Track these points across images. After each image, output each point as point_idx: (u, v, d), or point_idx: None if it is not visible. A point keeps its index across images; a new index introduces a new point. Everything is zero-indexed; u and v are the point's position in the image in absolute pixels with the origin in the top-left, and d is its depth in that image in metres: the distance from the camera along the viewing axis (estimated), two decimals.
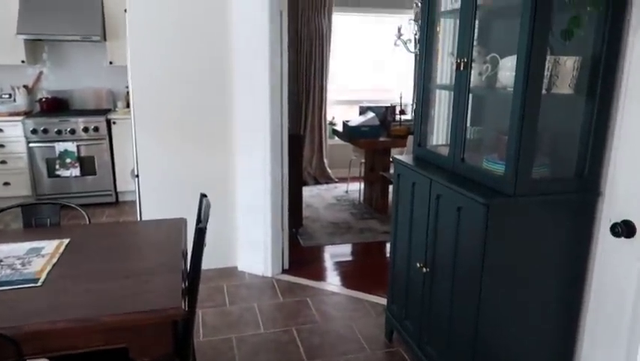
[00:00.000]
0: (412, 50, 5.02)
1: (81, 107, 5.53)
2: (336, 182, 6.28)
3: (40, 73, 5.44)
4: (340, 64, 6.38)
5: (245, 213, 3.59)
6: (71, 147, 5.02)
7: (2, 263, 1.80)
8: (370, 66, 6.69)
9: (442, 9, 2.45)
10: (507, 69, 1.99)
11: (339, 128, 5.59)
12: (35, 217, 2.30)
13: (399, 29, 5.10)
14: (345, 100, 6.67)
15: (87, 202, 5.20)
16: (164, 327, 1.52)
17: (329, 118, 6.40)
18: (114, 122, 5.18)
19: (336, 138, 5.98)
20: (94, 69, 5.57)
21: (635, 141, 1.71)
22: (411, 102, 6.34)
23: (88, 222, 2.34)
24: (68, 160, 5.04)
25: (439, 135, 2.66)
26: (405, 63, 6.59)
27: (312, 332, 2.85)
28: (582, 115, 1.87)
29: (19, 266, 1.77)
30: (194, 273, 1.74)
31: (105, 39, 5.20)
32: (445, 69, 2.59)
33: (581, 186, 1.89)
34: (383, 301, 3.18)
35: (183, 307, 1.54)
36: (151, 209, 3.52)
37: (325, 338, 2.79)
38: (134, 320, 1.47)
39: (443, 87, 2.50)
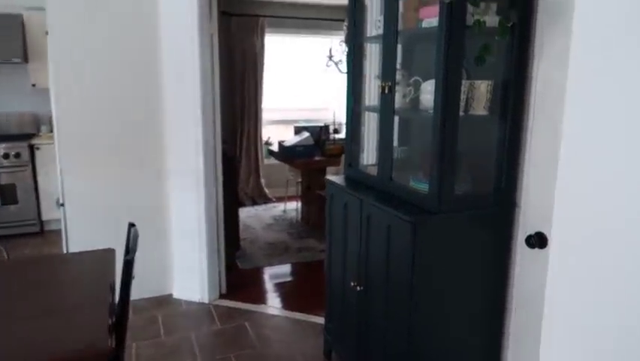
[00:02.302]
0: (343, 70, 5.15)
1: (3, 132, 5.20)
2: (274, 201, 6.28)
3: None
4: (275, 84, 6.43)
5: (179, 238, 3.51)
6: None
7: None
8: (305, 86, 6.78)
9: (368, 34, 2.55)
10: (427, 92, 2.09)
11: (275, 148, 5.62)
12: None
13: (330, 50, 5.23)
14: (280, 120, 6.71)
15: (9, 233, 4.88)
16: None
17: (265, 138, 6.41)
18: (37, 148, 4.92)
19: (272, 158, 6.00)
20: (16, 92, 5.27)
21: (543, 157, 1.85)
22: (345, 121, 6.47)
23: (6, 257, 2.20)
24: None
25: (369, 155, 2.73)
26: (338, 82, 6.74)
27: (252, 357, 2.81)
28: (497, 134, 2.00)
29: None
30: (122, 307, 1.67)
31: (27, 61, 4.95)
32: (372, 92, 2.68)
33: (500, 200, 2.02)
34: (322, 320, 3.19)
35: (110, 344, 1.48)
36: (78, 239, 3.35)
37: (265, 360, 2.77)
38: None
39: (371, 109, 2.58)
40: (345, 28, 5.20)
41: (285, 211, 5.82)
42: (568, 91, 1.29)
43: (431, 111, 2.00)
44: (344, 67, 5.18)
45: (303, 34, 6.46)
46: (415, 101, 2.24)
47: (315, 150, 4.85)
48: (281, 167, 6.27)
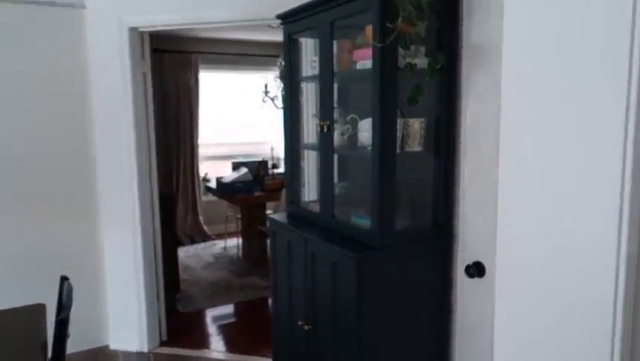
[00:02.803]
0: (279, 106, 5.20)
1: None
2: (214, 239, 6.13)
3: None
4: (211, 120, 6.37)
5: (114, 285, 3.33)
6: None
7: None
8: (241, 121, 6.77)
9: (303, 74, 2.60)
10: (365, 130, 2.16)
11: (213, 183, 5.53)
12: None
13: (265, 86, 5.27)
14: (217, 155, 6.63)
15: None
16: None
17: (202, 174, 6.29)
18: None
19: (211, 194, 5.90)
20: None
21: (476, 189, 1.95)
22: (283, 156, 6.50)
23: None
24: None
25: (310, 192, 2.76)
26: (274, 117, 6.79)
27: None
28: (432, 169, 2.09)
29: None
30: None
31: None
32: (310, 130, 2.73)
33: (439, 233, 2.09)
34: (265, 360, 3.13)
35: None
36: (2, 294, 3.09)
37: None
38: None
39: (309, 147, 2.62)
40: (279, 64, 5.29)
41: (225, 248, 5.70)
42: (502, 124, 1.38)
43: (369, 148, 2.06)
44: (280, 102, 5.25)
45: (238, 70, 6.49)
46: (353, 138, 2.29)
47: (254, 185, 4.82)
48: (220, 203, 6.16)
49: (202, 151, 6.22)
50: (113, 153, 3.20)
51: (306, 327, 2.26)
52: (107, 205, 3.27)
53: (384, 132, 1.87)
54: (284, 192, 4.48)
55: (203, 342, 3.47)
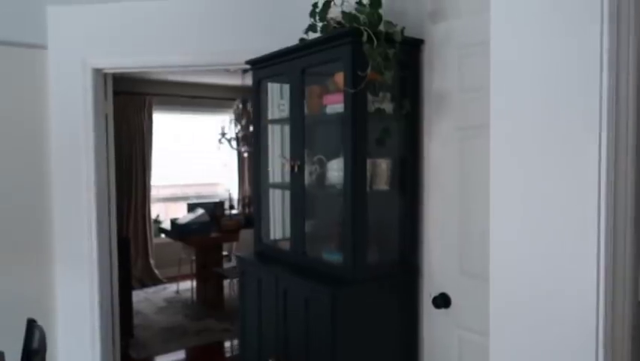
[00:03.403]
0: (235, 147, 5.28)
1: None
2: (165, 282, 5.96)
3: None
4: (163, 161, 6.31)
5: (68, 331, 3.17)
6: None
7: None
8: (194, 162, 6.75)
9: (270, 117, 2.71)
10: (334, 170, 2.28)
11: (166, 225, 5.44)
12: None
13: (222, 128, 5.34)
14: (169, 197, 6.55)
15: None
16: None
17: (153, 216, 6.17)
18: None
19: (163, 236, 5.79)
20: None
21: (438, 225, 2.09)
22: (237, 196, 6.52)
23: None
24: None
25: (278, 230, 2.81)
26: (229, 158, 6.84)
27: None
28: (398, 207, 2.22)
29: None
30: None
31: None
32: (276, 169, 2.82)
33: (405, 267, 2.20)
34: None
35: None
36: None
37: None
38: None
39: (277, 186, 2.70)
40: (236, 107, 5.40)
41: (178, 292, 5.55)
42: (491, 159, 1.53)
43: (338, 187, 2.18)
44: (235, 144, 5.32)
45: (191, 112, 6.53)
46: (321, 177, 2.41)
47: (210, 226, 4.79)
48: (171, 245, 6.03)
49: (154, 193, 6.12)
50: (72, 195, 3.11)
51: None
52: (63, 249, 3.15)
53: (356, 171, 1.99)
54: (242, 232, 4.50)
55: None
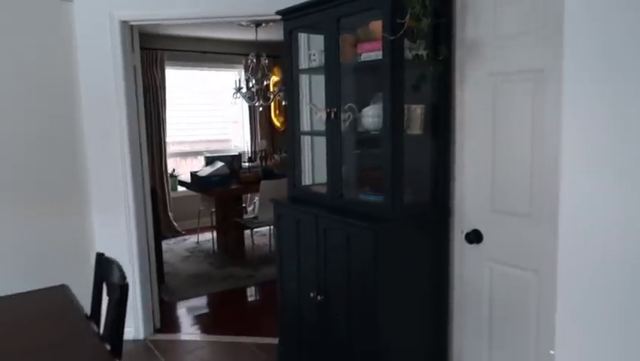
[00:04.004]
0: (250, 102, 5.34)
1: None
2: (184, 234, 6.16)
3: None
4: (176, 117, 6.38)
5: None
6: None
7: None
8: (205, 118, 6.82)
9: (301, 67, 2.79)
10: (369, 116, 2.39)
11: (185, 178, 5.58)
12: None
13: (237, 83, 5.38)
14: (181, 152, 6.66)
15: None
16: None
17: (169, 170, 6.30)
18: None
19: (181, 189, 5.94)
20: None
21: (469, 167, 2.22)
22: (250, 151, 6.63)
23: None
24: None
25: (310, 176, 2.94)
26: (240, 114, 6.91)
27: None
28: (431, 150, 2.34)
29: None
30: (118, 336, 1.67)
31: None
32: (306, 118, 2.92)
33: (437, 207, 2.35)
34: (268, 340, 3.29)
35: None
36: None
37: None
38: None
39: (308, 133, 2.81)
40: (250, 61, 5.42)
41: (198, 243, 5.75)
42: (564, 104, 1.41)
43: (373, 132, 2.30)
44: (249, 98, 5.37)
45: (202, 68, 6.55)
46: (353, 124, 2.52)
47: (230, 178, 4.92)
48: (188, 199, 6.21)
49: (168, 148, 6.22)
50: (107, 147, 3.23)
51: (318, 298, 2.45)
52: (100, 199, 3.29)
53: (395, 117, 2.10)
54: (262, 183, 4.65)
55: (195, 328, 3.58)
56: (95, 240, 3.35)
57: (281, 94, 5.22)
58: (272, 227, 5.47)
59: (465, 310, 2.34)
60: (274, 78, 6.05)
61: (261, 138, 6.70)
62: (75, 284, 2.76)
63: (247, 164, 5.27)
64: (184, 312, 3.88)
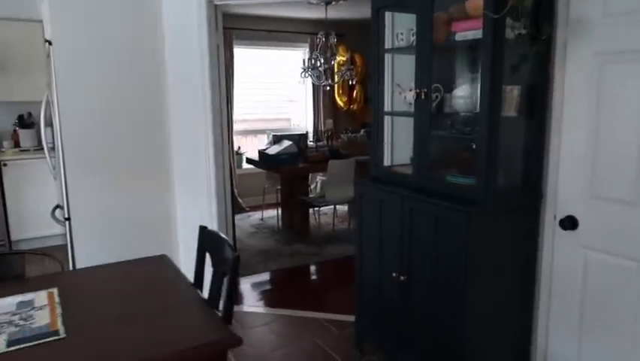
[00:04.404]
0: (319, 81, 5.35)
1: None
2: (247, 211, 6.32)
3: None
4: (239, 95, 6.50)
5: (189, 250, 3.51)
6: None
7: None
8: (267, 96, 6.90)
9: (386, 47, 2.76)
10: (459, 97, 2.35)
11: (249, 157, 5.71)
12: None
13: (305, 62, 5.41)
14: (245, 130, 6.79)
15: None
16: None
17: (234, 148, 6.45)
18: (5, 165, 4.67)
19: (247, 166, 6.08)
20: None
21: (566, 151, 2.15)
22: (312, 129, 6.68)
23: (61, 269, 2.17)
24: None
25: (391, 156, 2.94)
26: (302, 93, 6.95)
27: (287, 356, 2.90)
28: (525, 133, 2.28)
29: (21, 322, 1.62)
30: (230, 303, 1.75)
31: None
32: (389, 98, 2.91)
33: (529, 191, 2.30)
34: (339, 316, 3.36)
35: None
36: (83, 254, 3.28)
37: (300, 359, 2.87)
38: (192, 356, 1.45)
39: (393, 113, 2.79)
40: (318, 40, 5.41)
41: (262, 220, 5.89)
42: None
43: (463, 113, 2.26)
44: (316, 78, 5.38)
45: (268, 47, 6.61)
46: (440, 104, 2.49)
47: (298, 157, 4.99)
48: (254, 176, 6.35)
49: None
50: (190, 123, 3.35)
51: (401, 278, 2.47)
52: (183, 172, 3.44)
53: (493, 98, 2.06)
54: (330, 163, 4.68)
55: (269, 301, 3.69)
56: (177, 215, 3.51)
57: (348, 73, 5.20)
58: (336, 206, 5.53)
59: (554, 298, 2.29)
60: (340, 58, 6.02)
61: (326, 118, 6.73)
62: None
63: (314, 143, 5.32)
64: (257, 286, 4.01)
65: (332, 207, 5.49)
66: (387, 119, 3.01)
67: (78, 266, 3.26)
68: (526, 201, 2.30)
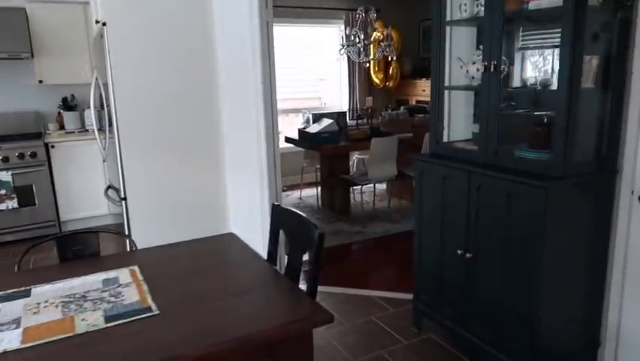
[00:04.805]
0: (358, 57, 5.27)
1: (14, 132, 4.97)
2: (285, 190, 6.33)
3: None
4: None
5: (240, 230, 3.54)
6: (5, 176, 4.50)
7: (88, 298, 1.66)
8: (301, 74, 6.85)
9: (448, 19, 2.68)
10: (530, 69, 2.28)
11: (288, 136, 5.69)
12: (71, 248, 2.11)
13: (343, 38, 5.33)
14: (281, 109, 6.75)
15: (26, 236, 4.70)
16: (306, 339, 1.53)
17: None
18: (52, 146, 4.75)
19: (285, 145, 6.05)
20: (17, 90, 5.04)
21: None
22: (348, 107, 6.62)
23: (134, 248, 2.20)
24: (3, 191, 4.51)
25: (450, 132, 2.87)
26: (333, 70, 6.86)
27: (344, 333, 2.92)
28: (600, 105, 2.20)
29: (112, 298, 1.65)
30: (315, 280, 1.75)
31: (32, 56, 4.74)
32: (452, 71, 2.83)
33: (602, 165, 2.22)
34: (392, 294, 3.36)
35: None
36: (138, 233, 3.32)
37: (358, 336, 2.88)
38: (285, 331, 1.46)
39: (458, 88, 2.72)
40: (358, 15, 5.32)
41: (301, 199, 5.90)
42: None
43: (532, 86, 2.19)
44: (357, 55, 5.30)
45: (302, 24, 6.52)
46: (506, 77, 2.42)
47: (339, 135, 4.95)
48: (290, 155, 6.33)
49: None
50: (241, 103, 3.34)
51: (467, 255, 2.44)
52: (234, 153, 3.44)
53: (573, 69, 1.98)
54: (373, 140, 4.63)
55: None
56: (228, 196, 3.53)
57: (388, 49, 5.10)
58: (375, 185, 5.50)
59: (629, 277, 2.23)
60: (376, 34, 5.91)
61: (361, 96, 6.65)
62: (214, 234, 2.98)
63: (354, 121, 5.26)
64: (304, 264, 4.02)
65: (371, 185, 5.45)
66: (456, 93, 2.93)
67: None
68: (601, 175, 2.23)
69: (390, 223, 4.92)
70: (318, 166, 5.49)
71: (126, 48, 3.10)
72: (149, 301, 1.61)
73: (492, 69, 2.30)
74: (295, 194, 6.08)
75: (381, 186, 6.06)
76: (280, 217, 2.10)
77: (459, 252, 2.48)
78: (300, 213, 1.98)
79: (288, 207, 2.06)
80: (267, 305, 1.59)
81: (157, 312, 1.55)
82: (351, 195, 5.69)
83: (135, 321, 1.49)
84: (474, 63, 2.58)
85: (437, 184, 2.59)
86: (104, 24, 3.05)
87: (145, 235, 3.25)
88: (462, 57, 2.72)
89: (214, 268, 1.94)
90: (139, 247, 2.24)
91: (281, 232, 2.18)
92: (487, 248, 2.35)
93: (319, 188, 5.59)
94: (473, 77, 2.62)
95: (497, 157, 2.35)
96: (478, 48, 2.71)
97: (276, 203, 2.17)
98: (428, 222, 2.71)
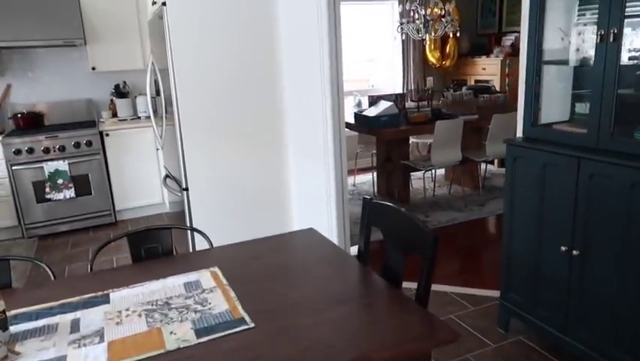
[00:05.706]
0: (418, 35, 4.96)
1: (59, 122, 4.95)
2: None
3: (9, 86, 4.78)
4: None
5: (303, 220, 3.36)
6: (62, 165, 4.47)
7: (172, 306, 1.49)
8: (351, 55, 6.57)
9: None
10: None
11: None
12: (144, 246, 1.96)
13: (401, 15, 5.02)
14: None
15: (82, 226, 4.69)
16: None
17: None
18: (107, 135, 4.68)
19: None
20: (71, 78, 4.99)
21: None
22: (402, 89, 6.31)
23: (211, 246, 2.03)
24: (60, 181, 4.48)
25: (547, 113, 2.58)
26: (380, 51, 6.55)
27: None
28: None
29: (199, 307, 1.48)
30: (427, 287, 1.54)
31: (85, 43, 4.66)
32: (551, 44, 2.51)
33: None
34: (470, 290, 3.12)
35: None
36: (200, 226, 3.18)
37: None
38: (412, 352, 1.24)
39: (557, 62, 2.42)
40: None
41: (355, 185, 5.68)
42: None
43: None
44: (416, 32, 4.98)
45: (356, 2, 6.22)
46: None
47: (399, 118, 4.67)
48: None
49: None
50: (307, 89, 3.13)
51: (573, 252, 2.16)
52: (299, 142, 3.25)
53: None
54: (437, 123, 4.33)
55: None
56: (292, 186, 3.35)
57: (451, 25, 4.76)
58: (435, 171, 5.21)
59: None
60: (436, 10, 5.56)
61: (416, 76, 6.32)
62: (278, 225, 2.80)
63: (415, 103, 4.97)
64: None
65: (430, 172, 5.17)
66: (554, 68, 2.62)
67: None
68: None
69: (454, 212, 4.64)
70: (374, 151, 5.24)
71: (187, 29, 2.93)
72: (241, 311, 1.43)
73: (611, 39, 1.99)
74: (348, 180, 5.85)
75: (439, 172, 5.76)
76: (375, 213, 1.89)
77: (563, 248, 2.20)
78: (405, 210, 1.75)
79: (385, 203, 1.84)
80: (374, 319, 1.38)
81: (252, 325, 1.36)
82: (420, 181, 5.43)
83: (229, 336, 1.31)
84: (580, 34, 2.27)
85: (535, 172, 2.31)
86: (163, 3, 2.88)
87: (206, 227, 3.10)
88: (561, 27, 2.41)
89: (301, 270, 1.74)
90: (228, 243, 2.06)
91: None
92: (601, 245, 2.06)
93: (374, 174, 5.35)
94: (578, 50, 2.31)
95: (613, 141, 2.05)
96: (580, 15, 2.39)
97: (367, 197, 1.95)
98: (522, 215, 2.43)
